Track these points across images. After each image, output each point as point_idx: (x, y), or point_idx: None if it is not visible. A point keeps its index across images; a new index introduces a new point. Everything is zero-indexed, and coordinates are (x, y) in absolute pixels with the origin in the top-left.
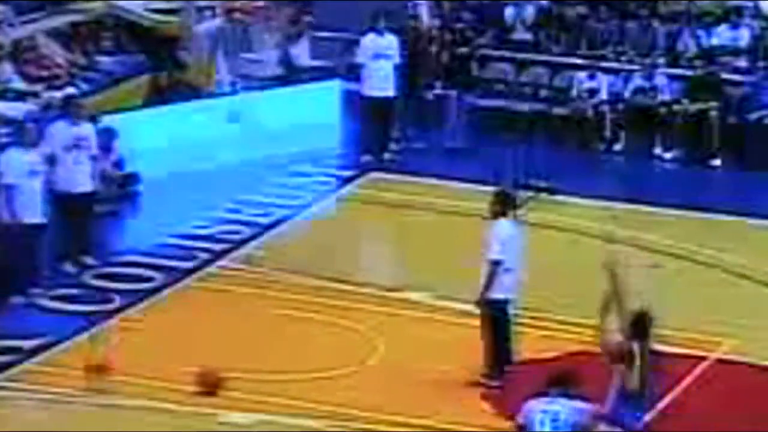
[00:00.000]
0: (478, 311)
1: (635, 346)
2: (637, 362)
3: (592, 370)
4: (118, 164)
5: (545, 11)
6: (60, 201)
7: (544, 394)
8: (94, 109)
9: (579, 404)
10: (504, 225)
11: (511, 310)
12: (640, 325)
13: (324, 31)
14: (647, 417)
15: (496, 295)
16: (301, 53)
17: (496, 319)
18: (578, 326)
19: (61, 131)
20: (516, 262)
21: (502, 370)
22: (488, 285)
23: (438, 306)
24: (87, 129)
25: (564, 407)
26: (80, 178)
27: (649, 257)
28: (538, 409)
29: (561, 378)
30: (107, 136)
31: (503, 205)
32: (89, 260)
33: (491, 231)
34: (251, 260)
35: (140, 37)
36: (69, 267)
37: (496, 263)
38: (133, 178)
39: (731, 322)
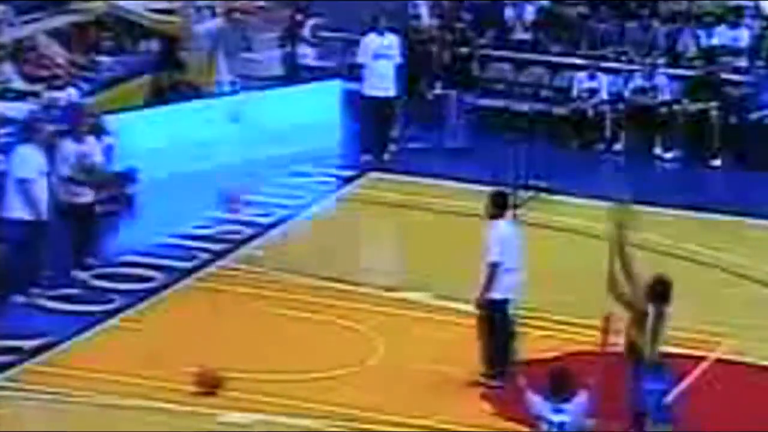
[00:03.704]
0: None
1: (650, 308)
2: (650, 325)
3: (591, 370)
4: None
5: (545, 11)
6: (63, 210)
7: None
8: (97, 109)
9: (580, 404)
10: (502, 226)
11: (510, 310)
12: (658, 288)
13: (325, 31)
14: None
15: (496, 295)
16: (306, 53)
17: (494, 320)
18: (578, 326)
19: (65, 150)
20: (515, 262)
21: (501, 370)
22: (487, 287)
23: (438, 306)
24: (91, 145)
25: (569, 414)
26: (83, 190)
27: (651, 257)
28: (545, 416)
29: (563, 382)
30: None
31: (500, 207)
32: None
33: (489, 233)
34: (251, 260)
35: (140, 37)
36: (81, 274)
37: (494, 265)
38: (128, 175)
39: (731, 322)
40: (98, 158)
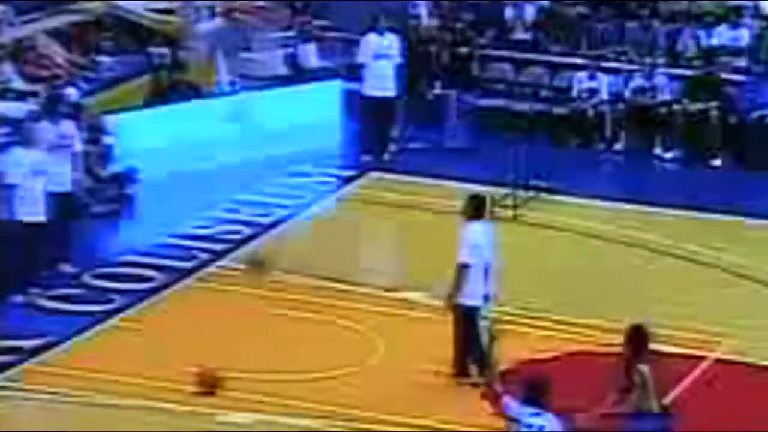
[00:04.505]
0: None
1: (644, 369)
2: (650, 385)
3: (589, 372)
4: (105, 157)
5: (545, 11)
6: (49, 202)
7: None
8: (97, 109)
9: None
10: (476, 229)
11: (485, 312)
12: (638, 339)
13: (325, 31)
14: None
15: (468, 301)
16: (309, 54)
17: (466, 320)
18: (577, 326)
19: (45, 132)
20: (490, 261)
21: (482, 369)
22: (456, 288)
23: (438, 306)
24: (69, 127)
25: (547, 421)
26: (64, 179)
27: (651, 257)
28: (523, 420)
29: (542, 388)
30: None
31: (477, 209)
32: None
33: (462, 234)
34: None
35: (140, 37)
36: (68, 268)
37: (463, 266)
38: (128, 175)
39: (731, 322)
40: (77, 142)
